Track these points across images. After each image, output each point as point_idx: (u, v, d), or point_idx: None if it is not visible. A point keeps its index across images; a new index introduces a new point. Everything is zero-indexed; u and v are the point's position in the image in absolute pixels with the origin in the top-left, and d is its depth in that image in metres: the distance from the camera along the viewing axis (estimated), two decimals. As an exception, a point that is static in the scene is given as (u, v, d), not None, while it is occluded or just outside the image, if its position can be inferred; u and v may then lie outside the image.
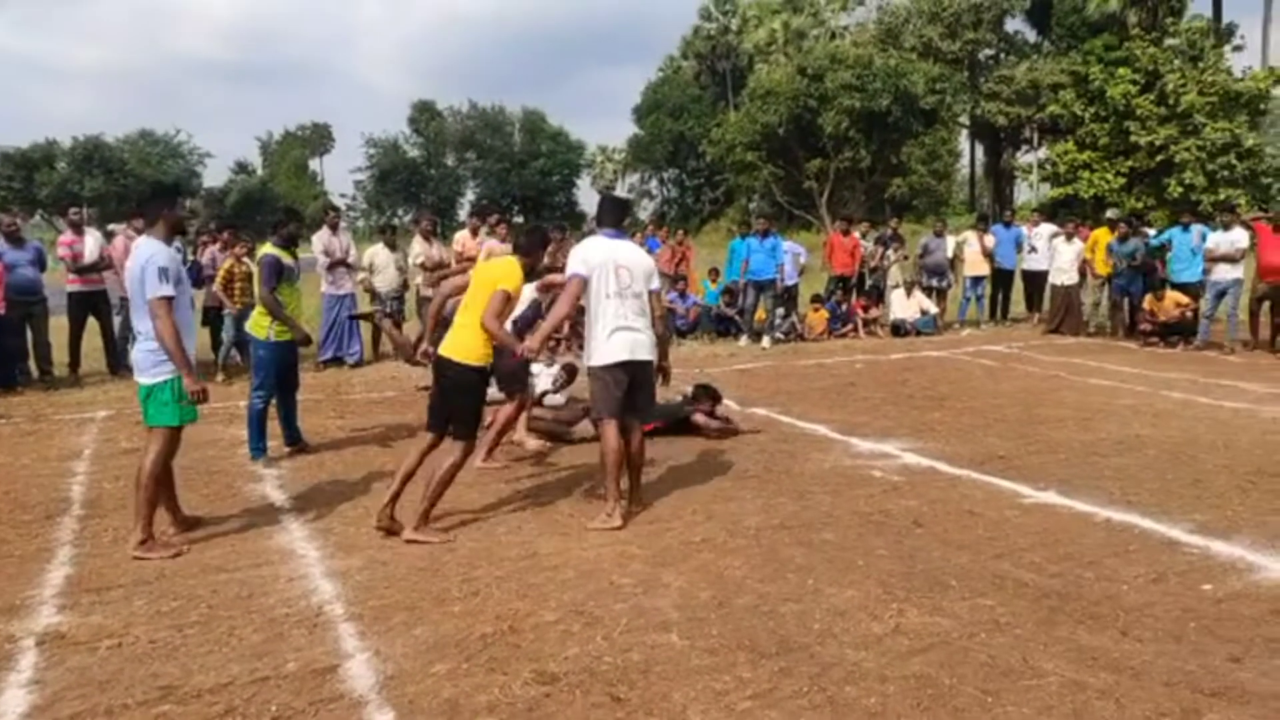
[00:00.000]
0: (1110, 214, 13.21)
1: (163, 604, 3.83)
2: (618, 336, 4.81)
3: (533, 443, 6.55)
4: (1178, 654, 3.29)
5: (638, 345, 4.85)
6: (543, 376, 7.02)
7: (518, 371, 5.87)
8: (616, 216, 5.13)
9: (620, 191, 60.16)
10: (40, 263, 9.34)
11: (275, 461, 6.18)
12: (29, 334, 9.22)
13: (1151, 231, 12.41)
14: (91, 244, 9.50)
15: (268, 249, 6.17)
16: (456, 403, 4.71)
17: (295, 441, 6.48)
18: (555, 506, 5.17)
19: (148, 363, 4.40)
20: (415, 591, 3.95)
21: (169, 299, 4.31)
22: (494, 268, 4.93)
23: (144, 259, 4.31)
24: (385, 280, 10.44)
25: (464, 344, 4.68)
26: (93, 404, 8.27)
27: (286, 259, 6.16)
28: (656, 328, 5.01)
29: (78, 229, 9.62)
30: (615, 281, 4.84)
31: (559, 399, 7.07)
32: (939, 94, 32.01)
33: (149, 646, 3.45)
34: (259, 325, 6.06)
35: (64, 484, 5.73)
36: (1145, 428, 6.96)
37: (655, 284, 5.05)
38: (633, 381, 4.87)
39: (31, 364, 9.32)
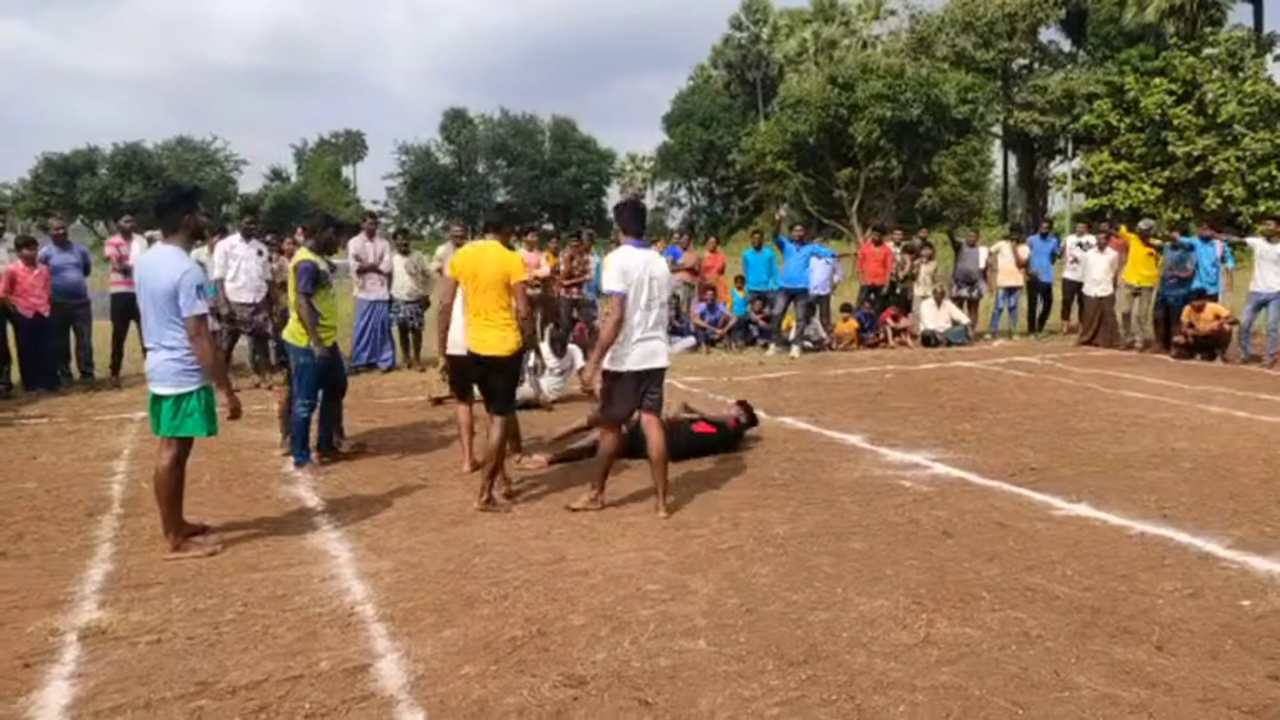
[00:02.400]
0: (1142, 225, 12.99)
1: (199, 601, 3.90)
2: (642, 346, 5.01)
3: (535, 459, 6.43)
4: (1214, 670, 3.25)
5: (659, 353, 5.13)
6: (548, 376, 7.48)
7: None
8: (640, 224, 5.22)
9: (649, 199, 60.33)
10: (85, 266, 9.63)
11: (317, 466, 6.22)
12: (72, 336, 9.47)
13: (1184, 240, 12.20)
14: (138, 248, 9.73)
15: (304, 255, 6.17)
16: (498, 385, 5.30)
17: (329, 447, 6.44)
18: (583, 511, 5.19)
19: (170, 372, 4.39)
20: (445, 594, 3.99)
21: (204, 317, 4.38)
22: (495, 262, 5.19)
23: (178, 274, 4.30)
24: (400, 287, 10.48)
25: (502, 339, 5.19)
26: (131, 405, 8.43)
27: (323, 265, 6.19)
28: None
29: (127, 235, 9.93)
30: (648, 294, 4.99)
31: (558, 382, 7.69)
32: (971, 104, 31.75)
33: (186, 642, 3.52)
34: (297, 333, 6.06)
35: (104, 483, 5.86)
36: (1181, 441, 6.86)
37: (669, 293, 5.51)
38: (651, 383, 5.14)
39: (74, 365, 9.56)
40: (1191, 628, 3.59)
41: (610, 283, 4.95)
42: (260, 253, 9.31)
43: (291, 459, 6.28)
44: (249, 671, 3.28)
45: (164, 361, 4.41)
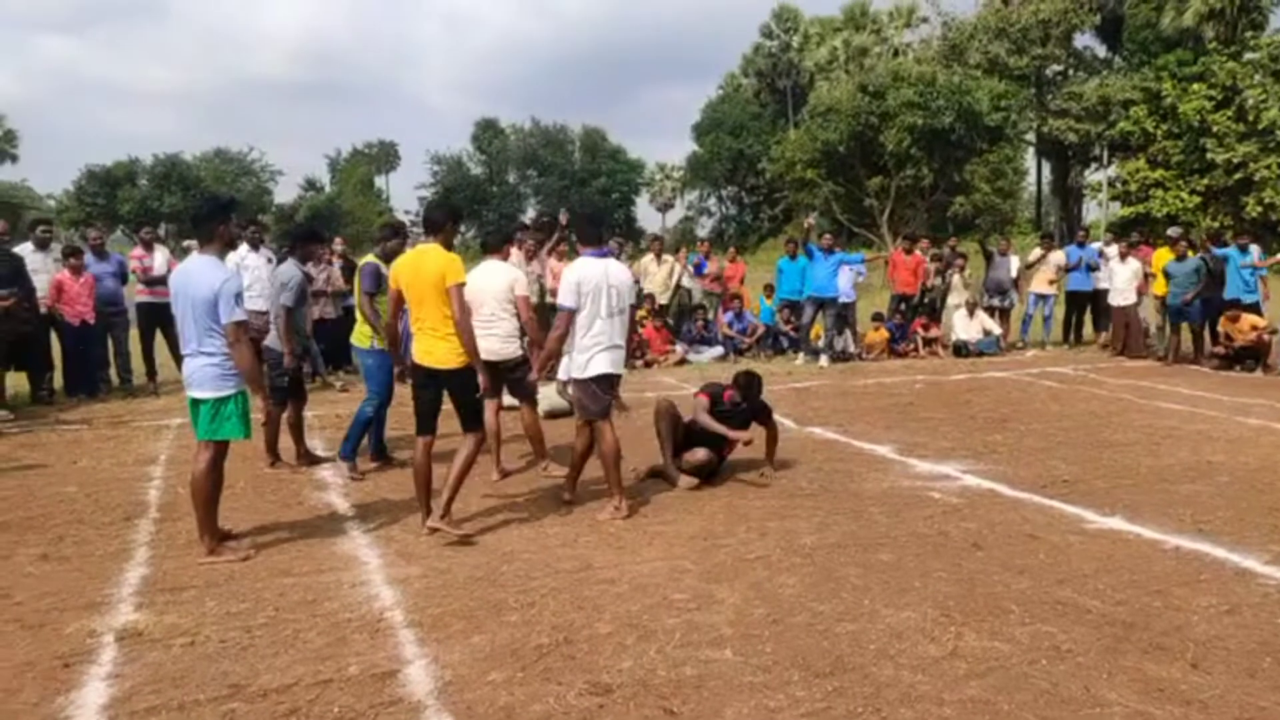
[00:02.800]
0: (1171, 232, 12.74)
1: (232, 605, 3.97)
2: (605, 354, 5.16)
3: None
4: (1252, 689, 3.18)
5: (619, 360, 5.26)
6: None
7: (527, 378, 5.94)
8: (598, 235, 5.45)
9: (678, 208, 60.41)
10: (122, 275, 9.88)
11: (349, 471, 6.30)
12: (109, 344, 9.69)
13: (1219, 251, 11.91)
14: (160, 259, 9.95)
15: (370, 259, 6.34)
16: (461, 400, 4.91)
17: (382, 454, 6.57)
18: (609, 520, 5.20)
19: (208, 377, 4.51)
20: (473, 600, 4.02)
21: (243, 323, 4.51)
22: (433, 267, 4.72)
23: (218, 282, 4.44)
24: None
25: (452, 350, 4.76)
26: (169, 412, 8.60)
27: (385, 269, 6.33)
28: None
29: (148, 245, 10.15)
30: (607, 303, 5.13)
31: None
32: (1004, 111, 31.46)
33: (219, 646, 3.58)
34: (363, 335, 6.20)
35: (141, 488, 5.98)
36: (1218, 454, 6.73)
37: (631, 300, 5.39)
38: (614, 387, 5.29)
39: (112, 372, 9.78)
40: (1228, 645, 3.52)
41: (562, 297, 5.14)
42: (270, 260, 9.44)
43: (304, 464, 6.52)
44: (280, 675, 3.33)
45: (202, 367, 4.52)
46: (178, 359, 9.83)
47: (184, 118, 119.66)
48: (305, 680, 3.29)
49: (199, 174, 57.74)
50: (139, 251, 10.11)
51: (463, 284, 4.74)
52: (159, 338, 9.70)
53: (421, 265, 4.76)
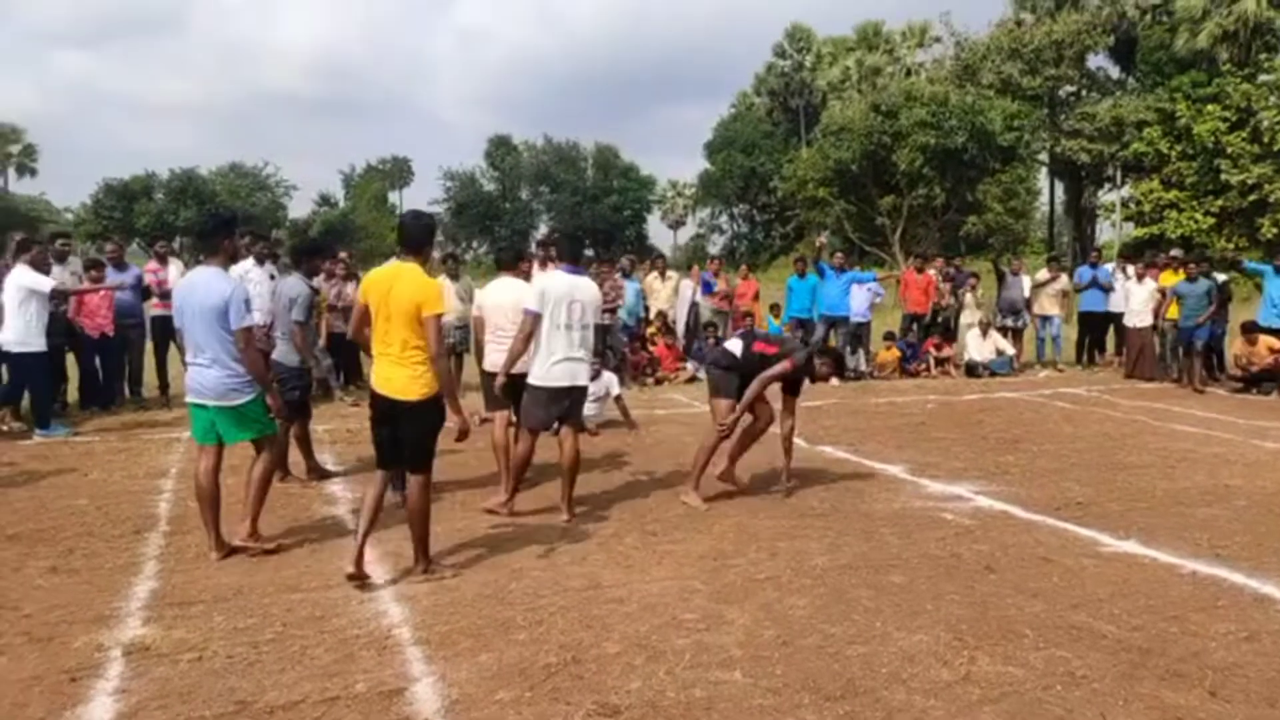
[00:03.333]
0: (1174, 253, 12.62)
1: (240, 620, 3.96)
2: (563, 366, 5.36)
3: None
4: (1272, 718, 3.13)
5: (578, 373, 5.45)
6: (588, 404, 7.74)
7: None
8: (575, 253, 5.87)
9: (690, 226, 60.49)
10: (139, 289, 9.91)
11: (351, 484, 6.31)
12: (125, 356, 9.76)
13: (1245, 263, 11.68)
14: (174, 273, 10.01)
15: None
16: (409, 436, 4.42)
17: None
18: (619, 538, 5.18)
19: (228, 386, 4.69)
20: (481, 618, 4.00)
21: (251, 328, 4.67)
22: (409, 289, 4.29)
23: (229, 290, 4.63)
24: (449, 311, 10.57)
25: (413, 379, 4.33)
26: (180, 425, 8.61)
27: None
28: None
29: (162, 259, 10.30)
30: (567, 315, 5.35)
31: (594, 409, 7.89)
32: (1017, 131, 31.44)
33: (226, 661, 3.57)
34: None
35: (151, 501, 5.99)
36: (1235, 478, 6.66)
37: (598, 317, 5.63)
38: (569, 400, 5.47)
39: (126, 385, 9.83)
40: (1247, 673, 3.46)
41: (527, 302, 5.41)
42: (272, 276, 9.46)
43: (314, 478, 6.58)
44: (287, 692, 3.31)
45: (222, 377, 4.68)
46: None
47: (200, 132, 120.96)
48: (312, 697, 3.27)
49: (214, 188, 58.22)
50: (153, 265, 10.22)
51: (440, 314, 4.31)
52: (172, 351, 9.74)
53: (396, 287, 4.31)
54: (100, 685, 3.37)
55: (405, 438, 4.43)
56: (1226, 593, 4.32)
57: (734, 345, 6.21)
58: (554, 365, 5.34)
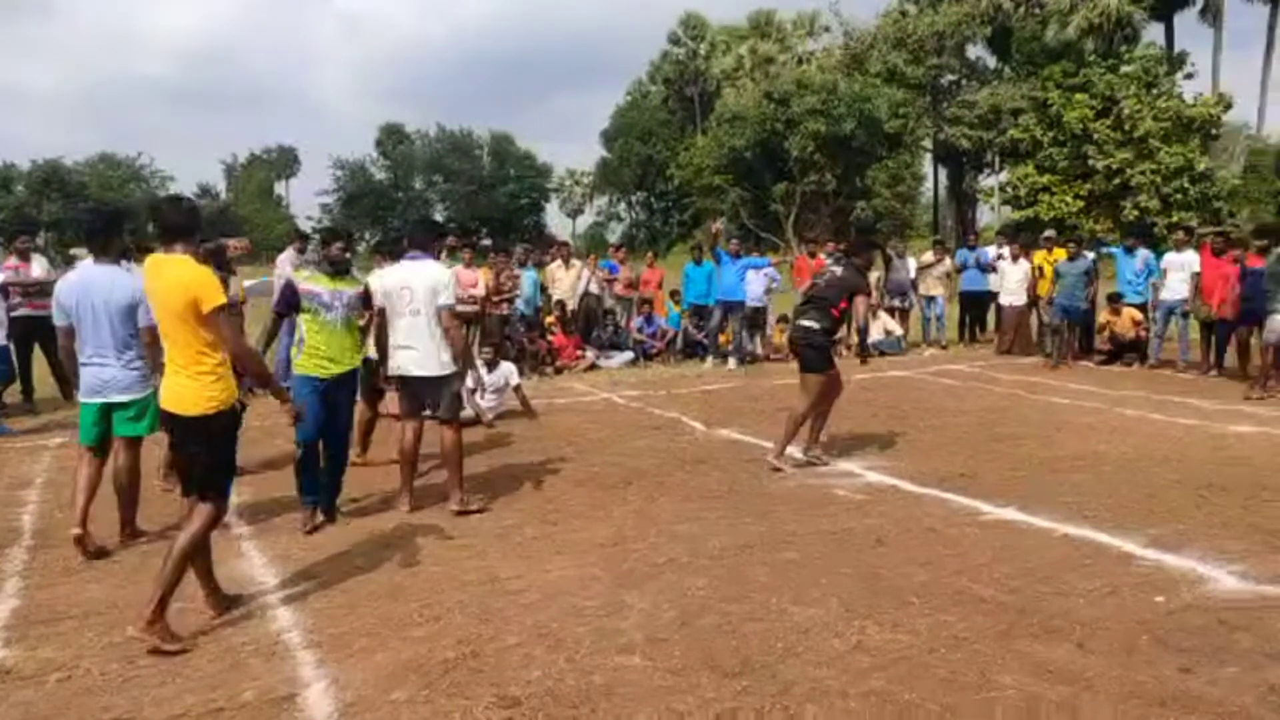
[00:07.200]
0: (1048, 233, 13.35)
1: (114, 635, 3.74)
2: (399, 354, 5.40)
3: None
4: (1130, 665, 3.35)
5: (411, 362, 5.37)
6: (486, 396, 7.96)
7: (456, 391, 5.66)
8: (425, 241, 5.63)
9: (588, 214, 60.32)
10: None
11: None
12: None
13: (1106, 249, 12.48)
14: (38, 271, 9.33)
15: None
16: (194, 457, 3.84)
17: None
18: (519, 529, 5.14)
19: (133, 379, 4.84)
20: (375, 618, 3.90)
21: (154, 327, 4.41)
22: (176, 283, 3.67)
23: (137, 289, 4.62)
24: None
25: (197, 392, 3.71)
26: (45, 431, 8.11)
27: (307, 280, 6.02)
28: (450, 339, 5.37)
29: (24, 255, 9.39)
30: (399, 302, 5.36)
31: (493, 400, 8.04)
32: (903, 118, 32.62)
33: (99, 679, 3.37)
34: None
35: (13, 513, 5.60)
36: (1102, 444, 7.09)
37: (443, 300, 5.32)
38: (425, 390, 5.44)
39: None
40: (1110, 625, 3.70)
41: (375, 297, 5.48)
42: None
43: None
44: (168, 706, 3.16)
45: (125, 370, 4.81)
46: (59, 374, 9.35)
47: (66, 121, 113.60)
48: (195, 710, 3.13)
49: (83, 180, 54.81)
50: (13, 262, 9.43)
51: (223, 306, 3.69)
52: (37, 352, 9.12)
53: (159, 280, 3.72)
54: (-44, 713, 3.14)
55: (189, 460, 3.86)
56: (1094, 552, 4.60)
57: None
58: (397, 352, 5.41)
